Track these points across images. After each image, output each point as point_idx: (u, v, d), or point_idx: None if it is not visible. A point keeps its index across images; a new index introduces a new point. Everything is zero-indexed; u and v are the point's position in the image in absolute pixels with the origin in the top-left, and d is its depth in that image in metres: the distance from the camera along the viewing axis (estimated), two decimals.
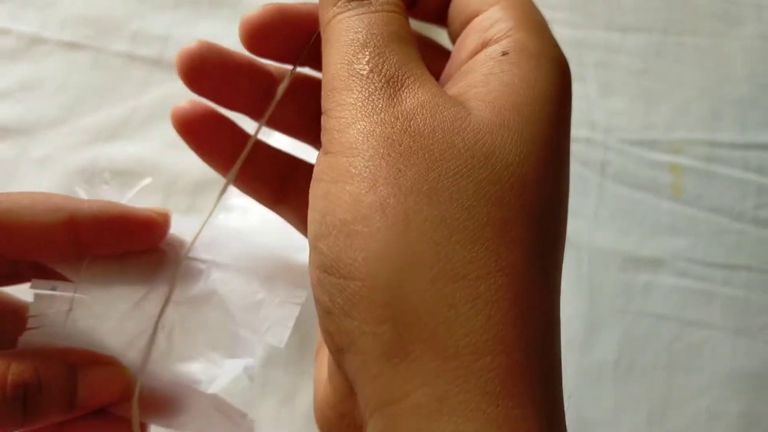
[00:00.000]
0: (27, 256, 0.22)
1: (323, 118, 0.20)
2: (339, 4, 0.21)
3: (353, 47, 0.19)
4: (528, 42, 0.20)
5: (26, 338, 0.21)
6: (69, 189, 0.40)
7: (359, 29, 0.20)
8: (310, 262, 0.18)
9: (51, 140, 0.41)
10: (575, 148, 0.43)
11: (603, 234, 0.41)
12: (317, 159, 0.19)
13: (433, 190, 0.17)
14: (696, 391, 0.39)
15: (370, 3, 0.21)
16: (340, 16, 0.20)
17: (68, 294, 0.21)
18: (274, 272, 0.22)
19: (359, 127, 0.18)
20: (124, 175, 0.41)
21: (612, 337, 0.40)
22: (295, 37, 0.23)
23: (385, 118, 0.18)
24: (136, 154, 0.41)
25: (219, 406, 0.22)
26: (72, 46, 0.44)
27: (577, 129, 0.43)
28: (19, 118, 0.42)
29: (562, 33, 0.45)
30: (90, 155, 0.41)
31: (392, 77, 0.19)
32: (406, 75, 0.19)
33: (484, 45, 0.21)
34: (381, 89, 0.18)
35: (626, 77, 0.45)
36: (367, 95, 0.18)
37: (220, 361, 0.21)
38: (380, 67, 0.19)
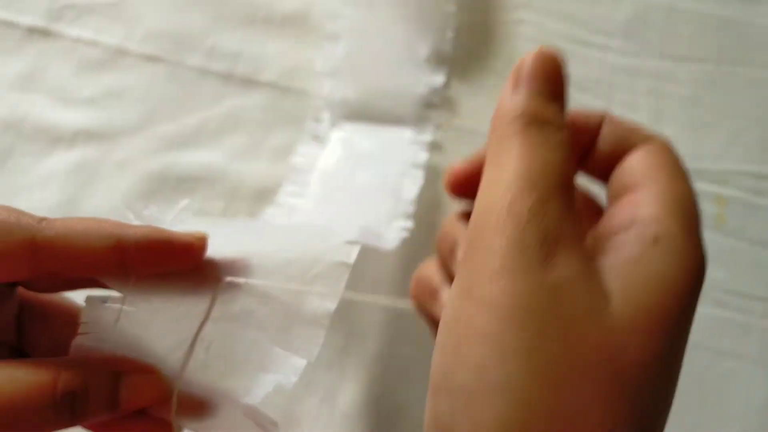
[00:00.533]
0: (81, 275, 0.25)
1: (467, 247, 0.19)
2: (519, 119, 0.20)
3: (521, 183, 0.19)
4: (678, 232, 0.21)
5: (78, 342, 0.24)
6: (144, 191, 0.44)
7: (534, 161, 0.19)
8: (428, 405, 0.19)
9: (130, 145, 0.45)
10: None
11: None
12: (453, 290, 0.19)
13: (558, 381, 0.17)
14: (726, 421, 0.40)
15: (551, 125, 0.20)
16: (518, 137, 0.20)
17: (117, 306, 0.24)
18: (308, 279, 0.25)
19: (504, 285, 0.18)
20: (191, 181, 0.45)
21: None
22: None
23: (532, 284, 0.18)
24: (205, 162, 0.45)
25: (250, 413, 0.24)
26: (152, 58, 0.48)
27: None
28: (103, 125, 0.46)
29: (615, 60, 0.46)
30: (164, 161, 0.45)
31: (548, 234, 0.18)
32: (561, 235, 0.18)
33: (635, 221, 0.21)
34: (535, 246, 0.18)
35: (677, 106, 0.46)
36: (519, 249, 0.18)
37: (254, 375, 0.24)
38: (540, 218, 0.18)
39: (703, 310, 0.42)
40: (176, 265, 0.25)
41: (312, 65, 0.47)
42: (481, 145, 0.44)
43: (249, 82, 0.47)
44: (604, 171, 0.26)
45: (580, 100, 0.46)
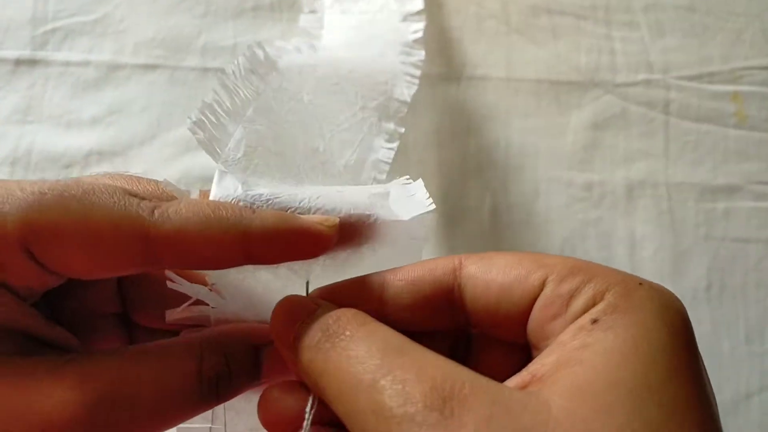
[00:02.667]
0: (194, 268, 0.23)
1: None
2: (314, 349, 0.19)
3: (363, 391, 0.17)
4: (617, 300, 0.18)
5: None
6: None
7: (355, 368, 0.18)
8: None
9: (146, 157, 0.44)
10: (636, 92, 0.45)
11: (676, 169, 0.43)
12: None
13: None
14: None
15: (348, 328, 0.19)
16: (325, 362, 0.19)
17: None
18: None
19: None
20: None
21: (700, 264, 0.41)
22: None
23: None
24: None
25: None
26: (148, 67, 0.47)
27: (636, 73, 0.45)
28: (112, 141, 0.45)
29: None
30: (183, 165, 0.44)
31: (430, 402, 0.16)
32: (444, 392, 0.17)
33: (570, 320, 0.19)
34: (430, 420, 0.16)
35: (675, 17, 0.46)
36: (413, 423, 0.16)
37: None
38: (410, 398, 0.17)
39: (744, 204, 0.42)
40: (306, 255, 0.22)
41: None
42: (489, 92, 0.44)
43: None
44: (508, 327, 0.21)
45: (582, 27, 0.46)
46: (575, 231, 0.42)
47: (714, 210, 0.42)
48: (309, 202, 0.23)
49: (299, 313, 0.20)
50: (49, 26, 0.47)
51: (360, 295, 0.22)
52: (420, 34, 0.41)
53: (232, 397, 0.23)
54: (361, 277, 0.22)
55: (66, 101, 0.46)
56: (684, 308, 0.19)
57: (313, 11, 0.47)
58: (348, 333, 0.19)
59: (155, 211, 0.20)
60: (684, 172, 0.43)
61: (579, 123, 0.44)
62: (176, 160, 0.44)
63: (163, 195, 0.23)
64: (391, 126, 0.33)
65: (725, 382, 0.39)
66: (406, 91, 0.35)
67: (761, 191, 0.43)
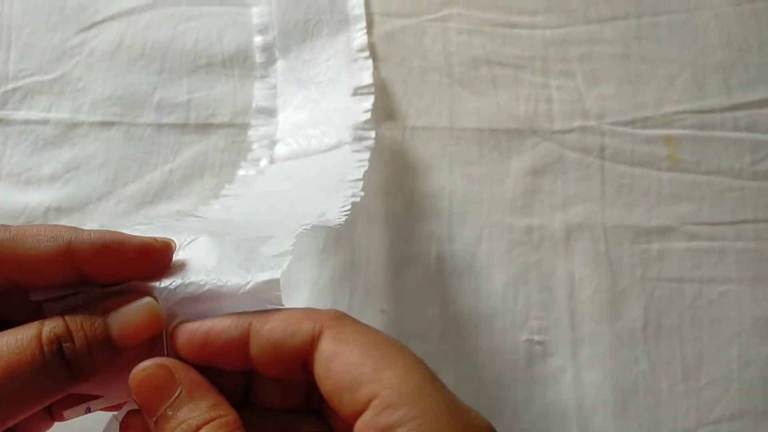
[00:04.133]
0: (33, 282, 0.23)
1: None
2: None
3: None
4: (417, 414, 0.20)
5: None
6: None
7: None
8: None
9: (102, 212, 0.46)
10: (572, 138, 0.46)
11: (612, 212, 0.45)
12: None
13: None
14: (724, 341, 0.42)
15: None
16: None
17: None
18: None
19: None
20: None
21: (637, 305, 0.43)
22: None
23: None
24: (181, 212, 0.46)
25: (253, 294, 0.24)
26: (105, 124, 0.48)
27: (572, 120, 0.47)
28: (70, 198, 0.46)
29: (544, 34, 0.49)
30: (138, 220, 0.45)
31: None
32: None
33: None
34: None
35: (610, 64, 0.48)
36: None
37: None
38: None
39: (678, 245, 0.44)
40: (134, 271, 0.23)
41: None
42: (433, 141, 0.46)
43: (205, 127, 0.48)
44: (284, 374, 0.23)
45: (520, 78, 0.48)
46: (517, 275, 0.43)
47: (649, 251, 0.44)
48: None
49: (158, 396, 0.22)
50: (10, 86, 0.49)
51: (225, 350, 0.23)
52: (369, 115, 0.43)
53: (92, 372, 0.22)
54: (227, 322, 0.23)
55: (25, 159, 0.48)
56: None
57: (264, 76, 0.49)
58: None
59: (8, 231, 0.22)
60: (619, 215, 0.45)
61: (519, 169, 0.46)
62: (131, 216, 0.46)
63: None
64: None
65: (663, 420, 0.40)
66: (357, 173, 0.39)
67: (694, 232, 0.44)
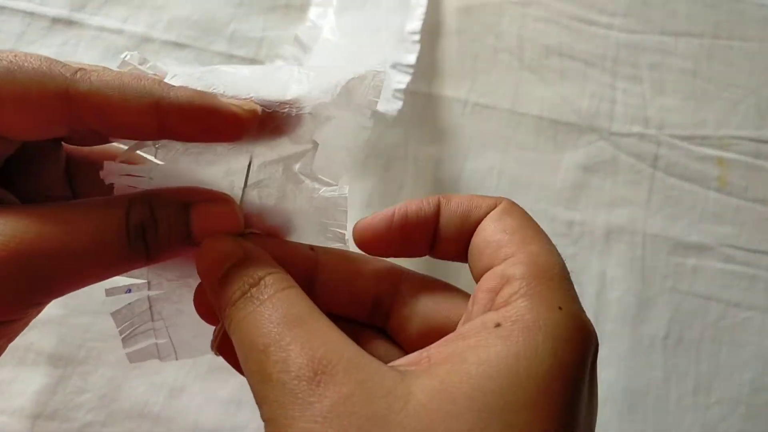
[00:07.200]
0: (113, 135, 0.23)
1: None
2: (231, 306, 0.21)
3: (255, 353, 0.19)
4: (527, 312, 0.19)
5: (121, 182, 0.23)
6: None
7: (255, 331, 0.19)
8: None
9: None
10: (629, 142, 0.47)
11: (655, 221, 0.45)
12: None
13: None
14: (740, 365, 0.43)
15: (261, 291, 0.20)
16: (236, 320, 0.20)
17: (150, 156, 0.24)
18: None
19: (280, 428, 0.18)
20: None
21: (662, 314, 0.44)
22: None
23: (309, 421, 0.17)
24: None
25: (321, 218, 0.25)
26: (177, 45, 0.49)
27: (632, 124, 0.47)
28: None
29: (619, 36, 0.49)
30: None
31: (302, 373, 0.18)
32: (320, 365, 0.18)
33: (489, 308, 0.21)
34: (298, 389, 0.18)
35: (678, 78, 0.49)
36: (284, 402, 0.18)
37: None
38: (288, 366, 0.18)
39: (712, 264, 0.45)
40: (219, 136, 0.22)
41: None
42: (492, 120, 0.47)
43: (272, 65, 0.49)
44: (459, 253, 0.24)
45: (589, 74, 0.48)
46: None
47: (683, 264, 0.45)
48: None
49: (224, 259, 0.22)
50: None
51: (291, 262, 0.23)
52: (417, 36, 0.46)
53: (165, 254, 0.23)
54: (418, 202, 0.24)
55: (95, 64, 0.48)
56: (591, 348, 0.20)
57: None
58: (262, 297, 0.20)
59: (77, 73, 0.21)
60: (661, 225, 0.45)
61: (571, 163, 0.46)
62: None
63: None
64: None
65: (667, 429, 0.41)
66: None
67: (730, 254, 0.45)
